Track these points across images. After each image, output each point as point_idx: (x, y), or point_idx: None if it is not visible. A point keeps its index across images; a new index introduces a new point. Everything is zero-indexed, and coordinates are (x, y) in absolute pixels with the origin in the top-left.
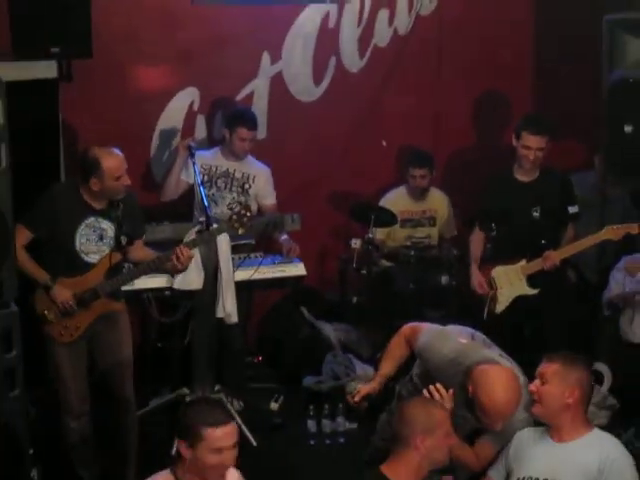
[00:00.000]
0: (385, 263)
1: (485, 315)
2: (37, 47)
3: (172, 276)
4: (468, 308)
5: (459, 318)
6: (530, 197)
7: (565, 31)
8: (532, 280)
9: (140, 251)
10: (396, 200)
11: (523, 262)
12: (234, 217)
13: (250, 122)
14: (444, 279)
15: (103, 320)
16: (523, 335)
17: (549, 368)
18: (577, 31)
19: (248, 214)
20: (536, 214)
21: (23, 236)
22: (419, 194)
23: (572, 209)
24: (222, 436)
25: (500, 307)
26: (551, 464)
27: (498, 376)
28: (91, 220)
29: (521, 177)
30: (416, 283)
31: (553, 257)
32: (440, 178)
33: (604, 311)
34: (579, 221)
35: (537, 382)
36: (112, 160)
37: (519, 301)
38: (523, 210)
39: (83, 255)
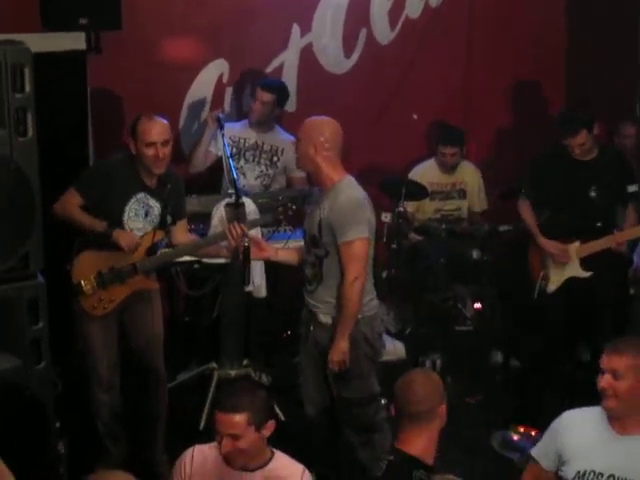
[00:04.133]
0: (415, 237)
1: (536, 294)
2: (65, 18)
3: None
4: (507, 286)
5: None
6: (588, 176)
7: (601, 11)
8: (585, 263)
9: (184, 235)
10: (425, 172)
11: (577, 243)
12: (280, 209)
13: (267, 84)
14: (475, 253)
15: (136, 296)
16: (572, 315)
17: (620, 362)
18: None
19: (294, 207)
20: (593, 194)
21: (75, 199)
22: (449, 167)
23: (631, 188)
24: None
25: (552, 287)
26: (615, 459)
27: None
28: (141, 196)
29: (579, 155)
30: (447, 257)
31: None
32: (471, 152)
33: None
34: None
35: (608, 377)
36: (147, 124)
37: (571, 282)
38: (580, 190)
39: (128, 230)
